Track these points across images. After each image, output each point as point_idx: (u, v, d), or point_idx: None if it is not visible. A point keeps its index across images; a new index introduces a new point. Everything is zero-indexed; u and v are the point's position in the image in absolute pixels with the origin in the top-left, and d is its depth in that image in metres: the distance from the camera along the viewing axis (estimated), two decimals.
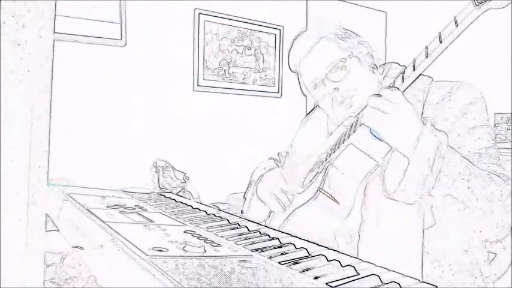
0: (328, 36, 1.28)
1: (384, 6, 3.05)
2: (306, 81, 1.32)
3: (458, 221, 1.07)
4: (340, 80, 1.25)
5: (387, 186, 1.10)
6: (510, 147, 2.56)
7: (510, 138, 2.67)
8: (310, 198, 1.28)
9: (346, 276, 0.86)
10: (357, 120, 1.19)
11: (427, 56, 1.05)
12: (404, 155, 1.07)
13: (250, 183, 1.53)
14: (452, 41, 1.03)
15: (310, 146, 1.39)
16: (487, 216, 1.05)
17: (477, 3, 0.97)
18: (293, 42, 1.35)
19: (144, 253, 0.88)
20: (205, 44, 2.45)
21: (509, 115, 2.62)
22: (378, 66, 1.30)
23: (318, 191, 1.26)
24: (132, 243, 0.93)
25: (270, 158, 1.59)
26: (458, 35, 1.02)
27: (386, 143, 1.11)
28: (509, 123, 2.66)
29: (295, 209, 1.31)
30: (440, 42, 1.03)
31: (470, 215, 1.05)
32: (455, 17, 1.01)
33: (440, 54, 1.05)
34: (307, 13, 2.78)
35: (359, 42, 1.30)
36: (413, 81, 1.10)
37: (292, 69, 1.37)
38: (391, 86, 1.13)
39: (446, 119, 1.14)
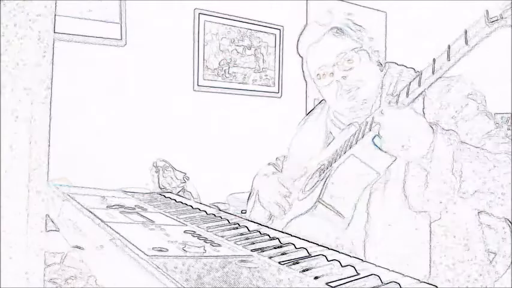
0: (340, 26, 1.28)
1: (383, 6, 3.05)
2: (312, 67, 1.31)
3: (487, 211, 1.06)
4: (350, 69, 1.25)
5: (412, 201, 1.10)
6: (510, 147, 2.56)
7: (510, 138, 2.67)
8: (310, 208, 1.27)
9: (346, 276, 0.86)
10: (361, 129, 1.19)
11: (433, 73, 1.04)
12: (422, 166, 1.07)
13: (251, 192, 1.52)
14: (460, 59, 1.00)
15: (308, 150, 1.39)
16: (503, 198, 1.04)
17: (489, 21, 0.94)
18: (305, 27, 1.35)
19: (144, 253, 0.88)
20: (205, 44, 2.45)
21: (509, 115, 2.62)
22: (382, 65, 1.30)
23: (318, 201, 1.25)
24: (132, 243, 0.93)
25: (269, 164, 1.59)
26: (468, 52, 0.99)
27: (393, 155, 1.10)
28: (509, 123, 2.66)
29: (293, 218, 1.30)
30: (449, 59, 1.01)
31: (497, 203, 1.04)
32: (465, 32, 0.98)
33: (448, 70, 1.03)
34: (307, 13, 2.77)
35: (369, 38, 1.30)
36: (418, 96, 1.09)
37: (300, 53, 1.36)
38: (391, 102, 1.12)
39: (448, 111, 1.14)
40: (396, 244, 1.12)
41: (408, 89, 1.09)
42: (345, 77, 1.24)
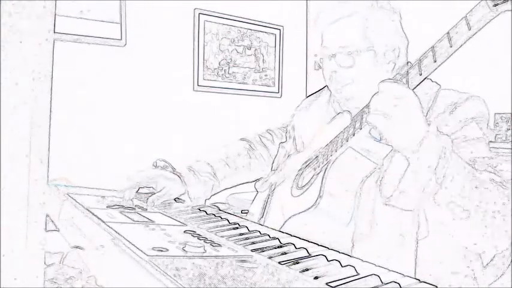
0: (361, 12, 1.22)
1: None
2: (322, 43, 1.30)
3: (458, 230, 1.02)
4: (344, 67, 1.23)
5: (384, 191, 1.06)
6: (510, 147, 2.56)
7: (510, 138, 2.67)
8: (310, 207, 1.23)
9: (346, 276, 0.86)
10: (361, 117, 1.15)
11: (435, 61, 0.99)
12: (406, 157, 1.01)
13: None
14: (462, 45, 0.95)
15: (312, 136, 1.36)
16: (489, 227, 1.00)
17: (493, 5, 0.88)
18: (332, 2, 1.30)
19: (145, 253, 0.88)
20: (205, 44, 2.45)
21: (509, 115, 2.62)
22: (396, 64, 1.25)
23: (319, 199, 1.22)
24: (132, 244, 0.93)
25: (241, 139, 1.58)
26: (469, 38, 0.93)
27: (388, 144, 1.04)
28: (509, 123, 2.65)
29: (292, 216, 1.27)
30: (451, 46, 0.95)
31: (474, 224, 1.00)
32: (466, 17, 0.92)
33: (449, 57, 0.97)
34: (307, 13, 2.77)
35: (394, 34, 1.24)
36: (417, 85, 1.05)
37: (317, 27, 1.32)
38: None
39: (447, 129, 1.11)
40: (381, 242, 1.10)
41: (407, 78, 1.06)
42: (336, 71, 1.24)
